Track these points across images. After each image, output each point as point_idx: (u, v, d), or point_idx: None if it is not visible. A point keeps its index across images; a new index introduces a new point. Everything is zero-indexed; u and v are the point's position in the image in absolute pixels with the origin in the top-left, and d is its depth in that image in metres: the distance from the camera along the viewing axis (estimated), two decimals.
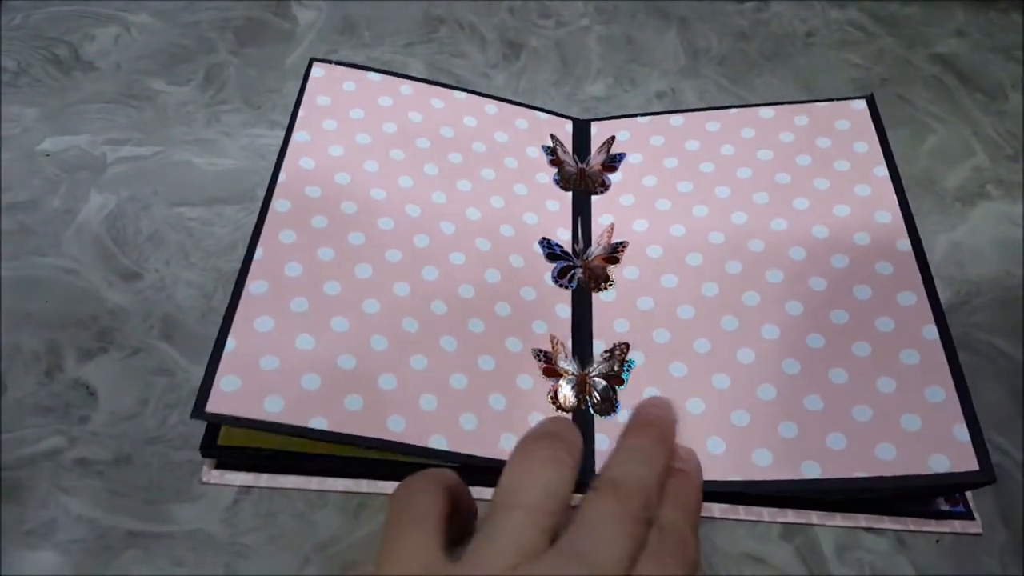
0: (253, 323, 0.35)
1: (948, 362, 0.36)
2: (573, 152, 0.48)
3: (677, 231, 0.43)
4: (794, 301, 0.39)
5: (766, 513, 0.36)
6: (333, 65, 0.47)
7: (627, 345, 0.39)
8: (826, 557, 0.35)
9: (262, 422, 0.33)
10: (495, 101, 0.49)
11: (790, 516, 0.36)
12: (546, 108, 0.50)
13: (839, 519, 0.36)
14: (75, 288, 0.41)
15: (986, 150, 0.54)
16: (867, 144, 0.45)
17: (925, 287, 0.39)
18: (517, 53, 0.58)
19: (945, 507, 0.37)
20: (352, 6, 0.60)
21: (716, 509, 0.36)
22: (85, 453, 0.35)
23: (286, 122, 0.50)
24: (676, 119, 0.48)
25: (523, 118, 0.48)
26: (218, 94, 0.52)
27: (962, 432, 0.34)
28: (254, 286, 0.37)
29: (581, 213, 0.45)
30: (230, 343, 0.35)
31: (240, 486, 0.35)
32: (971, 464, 0.33)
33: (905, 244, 0.40)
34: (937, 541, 0.36)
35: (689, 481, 0.28)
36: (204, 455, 0.35)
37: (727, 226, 0.42)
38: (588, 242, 0.43)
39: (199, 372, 0.38)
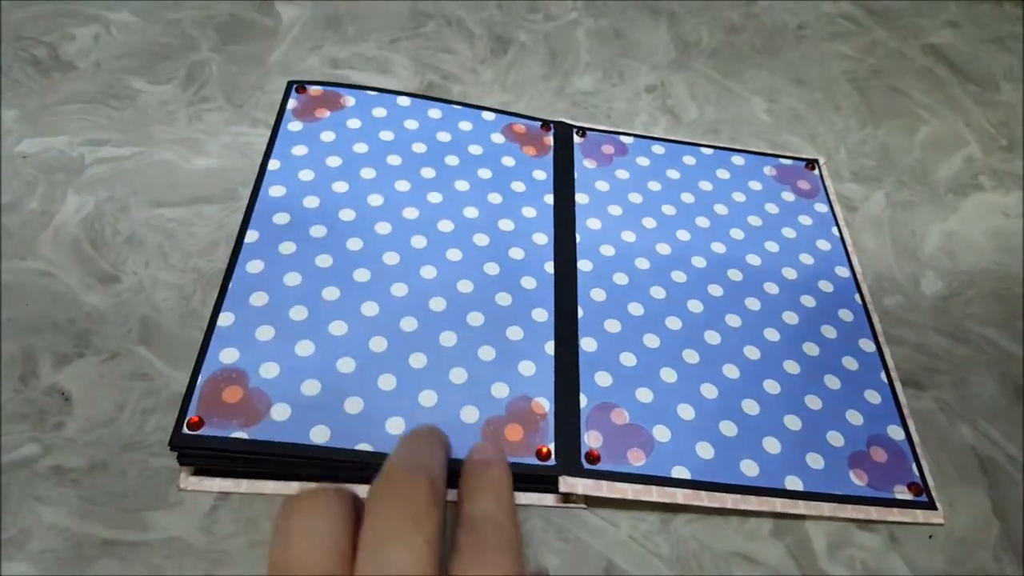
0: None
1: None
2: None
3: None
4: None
5: (754, 501, 0.35)
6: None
7: None
8: (817, 555, 0.35)
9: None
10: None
11: (778, 506, 0.35)
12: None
13: (826, 509, 0.35)
14: (52, 292, 0.40)
15: (979, 141, 0.53)
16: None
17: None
18: (505, 48, 0.58)
19: (908, 496, 0.36)
20: (336, 1, 0.60)
21: (704, 496, 0.35)
22: (60, 461, 0.34)
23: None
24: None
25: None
26: (200, 92, 0.51)
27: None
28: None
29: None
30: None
31: (219, 492, 0.34)
32: None
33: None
34: (930, 537, 0.35)
35: (492, 469, 0.29)
36: (181, 462, 0.34)
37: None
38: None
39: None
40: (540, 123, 0.50)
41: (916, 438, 0.38)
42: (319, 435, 0.34)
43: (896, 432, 0.38)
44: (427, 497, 0.25)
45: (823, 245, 0.46)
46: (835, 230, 0.47)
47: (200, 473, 0.34)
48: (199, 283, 0.41)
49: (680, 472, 0.35)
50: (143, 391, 0.37)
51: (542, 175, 0.46)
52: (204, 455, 0.33)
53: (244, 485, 0.34)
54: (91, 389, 0.37)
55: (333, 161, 0.44)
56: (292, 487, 0.34)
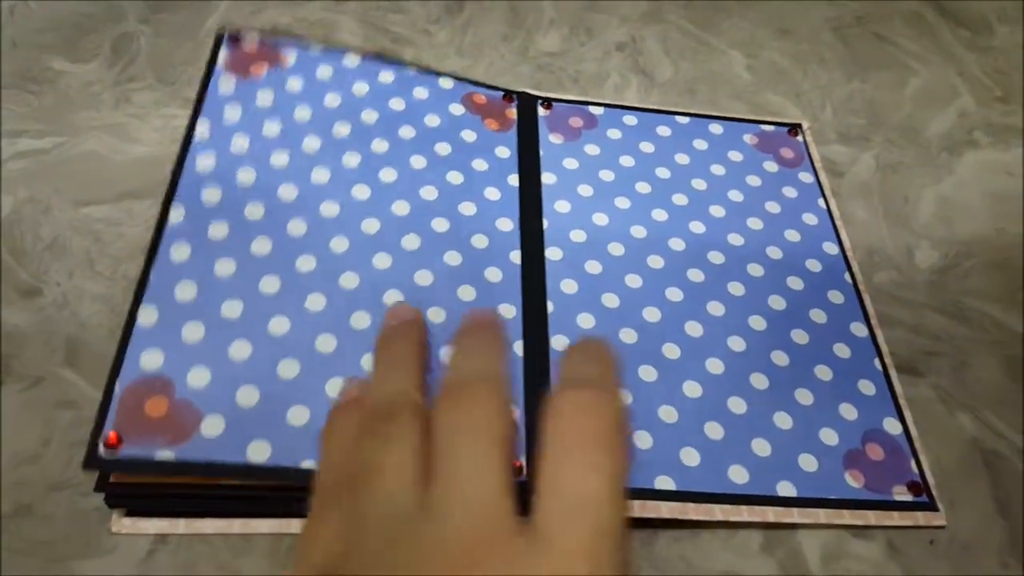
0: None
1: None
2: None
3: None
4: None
5: (745, 511, 0.33)
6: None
7: None
8: (811, 568, 0.32)
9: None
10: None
11: (770, 515, 0.33)
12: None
13: (822, 516, 0.33)
14: None
15: (972, 91, 0.50)
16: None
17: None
18: (460, 4, 0.53)
19: (907, 497, 0.34)
20: None
21: (691, 509, 0.32)
22: None
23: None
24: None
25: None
26: (127, 70, 0.47)
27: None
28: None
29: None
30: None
31: (155, 534, 0.31)
32: None
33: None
34: (931, 542, 0.33)
35: (487, 332, 0.27)
36: (110, 504, 0.31)
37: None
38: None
39: None
40: (502, 93, 0.45)
41: (914, 431, 0.36)
42: (258, 453, 0.30)
43: (893, 425, 0.36)
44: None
45: (809, 219, 0.42)
46: (822, 202, 0.43)
47: (134, 514, 0.31)
48: (129, 292, 0.37)
49: (664, 483, 0.33)
50: (71, 421, 0.34)
51: (506, 152, 0.42)
52: (133, 495, 0.30)
53: (182, 525, 0.31)
54: (13, 421, 0.33)
55: (272, 128, 0.40)
56: (234, 525, 0.31)
